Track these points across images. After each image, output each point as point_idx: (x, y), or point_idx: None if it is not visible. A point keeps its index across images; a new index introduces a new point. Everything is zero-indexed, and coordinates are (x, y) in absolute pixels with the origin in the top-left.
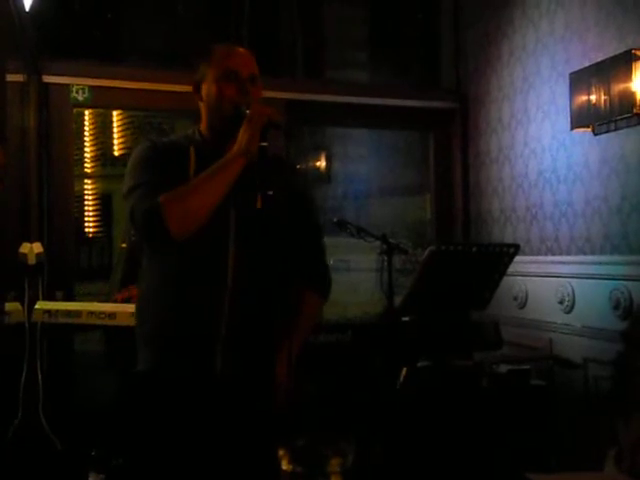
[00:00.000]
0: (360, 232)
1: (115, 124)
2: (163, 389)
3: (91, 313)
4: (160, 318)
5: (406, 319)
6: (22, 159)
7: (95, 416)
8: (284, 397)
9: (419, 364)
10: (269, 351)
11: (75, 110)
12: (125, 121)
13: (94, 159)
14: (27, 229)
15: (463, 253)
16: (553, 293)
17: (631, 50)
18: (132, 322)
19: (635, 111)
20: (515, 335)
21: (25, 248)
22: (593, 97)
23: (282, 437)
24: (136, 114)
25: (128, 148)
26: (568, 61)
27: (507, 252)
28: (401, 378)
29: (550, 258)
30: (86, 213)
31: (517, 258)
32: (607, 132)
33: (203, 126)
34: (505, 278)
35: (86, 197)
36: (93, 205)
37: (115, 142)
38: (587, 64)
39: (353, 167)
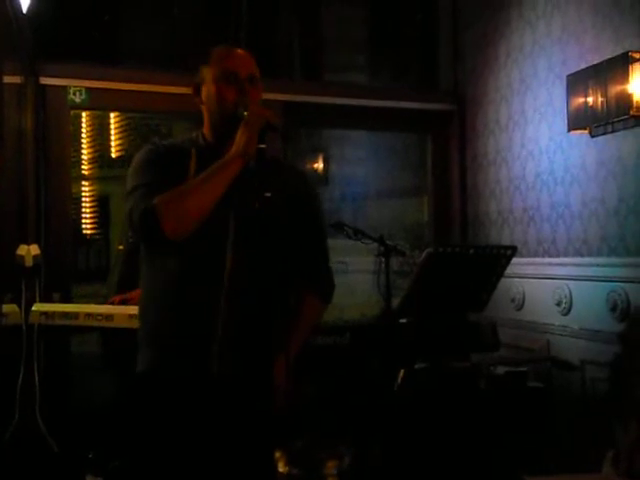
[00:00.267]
0: (357, 234)
1: (112, 126)
2: (161, 389)
3: (88, 315)
4: (159, 319)
5: (403, 321)
6: (19, 161)
7: (92, 418)
8: (282, 399)
9: (416, 366)
10: (267, 352)
11: (72, 112)
12: (122, 123)
13: (91, 161)
14: (24, 231)
15: (460, 255)
16: (550, 295)
17: (628, 52)
18: (129, 324)
19: (632, 113)
20: (512, 337)
21: (22, 250)
22: (590, 99)
23: (280, 439)
24: (133, 116)
25: (125, 150)
26: (565, 63)
27: (504, 254)
28: (399, 380)
29: (547, 260)
30: (83, 215)
31: (514, 260)
32: (604, 134)
33: (206, 129)
34: (502, 280)
35: (83, 199)
36: (90, 207)
37: (112, 144)
38: (584, 66)
39: (351, 169)
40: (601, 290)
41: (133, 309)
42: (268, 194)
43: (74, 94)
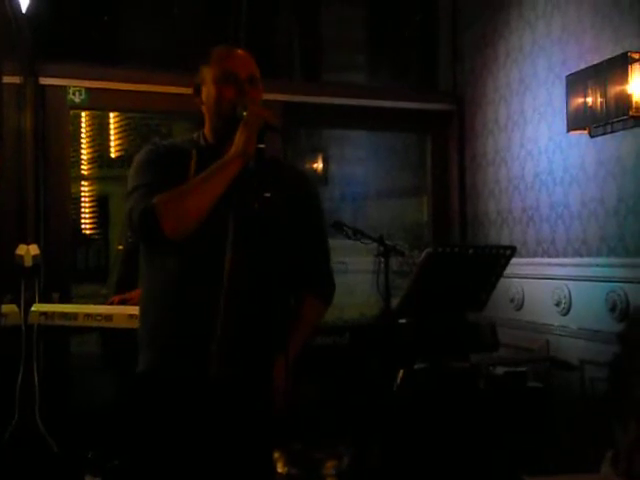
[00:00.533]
0: (357, 234)
1: (112, 126)
2: (161, 390)
3: (87, 315)
4: (158, 318)
5: (403, 321)
6: (19, 161)
7: (91, 418)
8: (282, 400)
9: (416, 366)
10: (267, 353)
11: (72, 112)
12: (122, 123)
13: (91, 161)
14: (23, 231)
15: (460, 255)
16: (550, 295)
17: (627, 52)
18: (129, 324)
19: (631, 113)
20: (512, 337)
21: (21, 250)
22: (589, 99)
23: (279, 439)
24: (133, 116)
25: (125, 150)
26: (564, 63)
27: (504, 254)
28: (398, 380)
29: (546, 260)
30: (83, 215)
31: (513, 260)
32: (603, 134)
33: (206, 129)
34: (502, 280)
35: (83, 199)
36: (90, 207)
37: (112, 144)
38: (583, 66)
39: (350, 169)
40: (600, 290)
41: (132, 309)
42: (268, 194)
43: (73, 94)
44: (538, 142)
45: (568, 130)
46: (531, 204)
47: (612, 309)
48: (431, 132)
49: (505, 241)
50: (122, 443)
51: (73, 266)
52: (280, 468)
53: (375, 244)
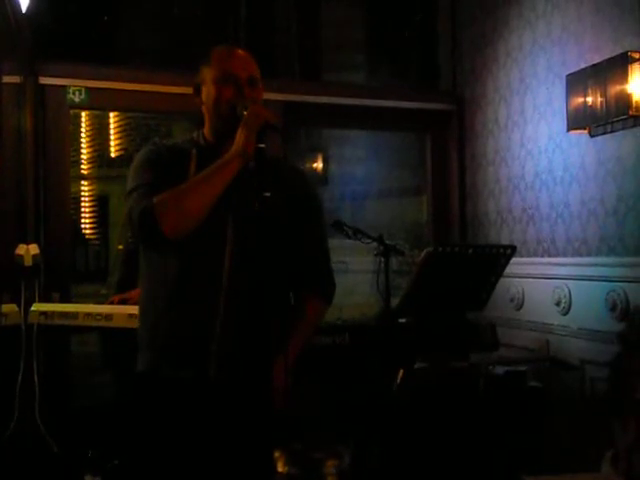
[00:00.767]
0: (357, 234)
1: (112, 126)
2: (161, 390)
3: (87, 315)
4: (158, 318)
5: (403, 321)
6: (18, 161)
7: (91, 418)
8: (281, 400)
9: (416, 366)
10: (266, 352)
11: (72, 111)
12: (122, 123)
13: (91, 161)
14: (23, 230)
15: (460, 255)
16: (550, 295)
17: (627, 52)
18: (128, 324)
19: (631, 113)
20: (512, 337)
21: (21, 250)
22: (589, 99)
23: (279, 439)
24: (133, 116)
25: (125, 150)
26: (564, 63)
27: (504, 254)
28: (398, 380)
29: (546, 260)
30: (82, 215)
31: (513, 260)
32: (603, 134)
33: (206, 129)
34: (502, 280)
35: (82, 199)
36: (90, 207)
37: (112, 144)
38: (583, 66)
39: (350, 169)
40: (600, 290)
41: (132, 309)
42: (267, 194)
43: (73, 94)
44: (538, 142)
45: (568, 130)
46: (531, 204)
47: (612, 308)
48: (431, 132)
49: (505, 241)
50: (122, 443)
51: (73, 266)
52: (280, 468)
53: (375, 244)
